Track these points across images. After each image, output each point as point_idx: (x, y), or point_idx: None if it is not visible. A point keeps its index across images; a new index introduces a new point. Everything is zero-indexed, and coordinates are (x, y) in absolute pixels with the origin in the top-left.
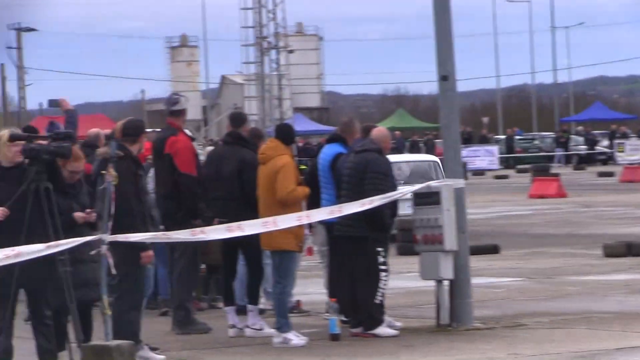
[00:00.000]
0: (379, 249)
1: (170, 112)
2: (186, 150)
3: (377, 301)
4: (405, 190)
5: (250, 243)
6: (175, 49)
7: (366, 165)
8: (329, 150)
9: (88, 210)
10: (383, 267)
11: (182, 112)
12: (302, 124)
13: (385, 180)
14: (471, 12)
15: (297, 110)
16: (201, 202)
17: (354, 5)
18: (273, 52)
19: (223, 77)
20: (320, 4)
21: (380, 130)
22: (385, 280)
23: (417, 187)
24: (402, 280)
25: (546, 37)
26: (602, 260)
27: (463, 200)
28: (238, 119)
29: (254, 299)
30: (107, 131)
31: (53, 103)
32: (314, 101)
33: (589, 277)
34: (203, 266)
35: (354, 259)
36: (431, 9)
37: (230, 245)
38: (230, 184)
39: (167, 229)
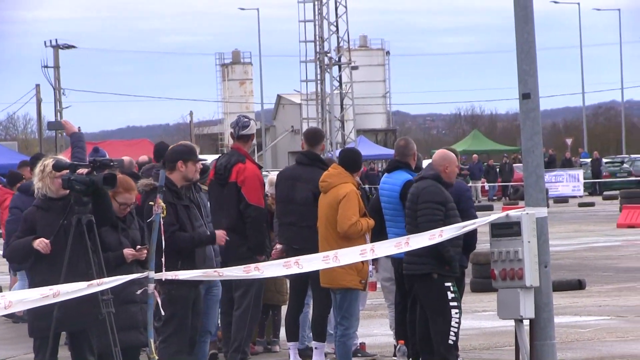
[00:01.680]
0: (447, 284)
1: (239, 136)
2: (254, 180)
3: (450, 342)
4: (480, 221)
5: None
6: (226, 67)
7: (418, 195)
8: (396, 179)
9: (139, 247)
10: (453, 304)
11: (251, 137)
12: (367, 148)
13: (440, 209)
14: (555, 22)
15: (361, 132)
16: (267, 237)
17: (424, 15)
18: (335, 69)
19: (279, 97)
20: (386, 14)
21: (439, 152)
22: (457, 318)
23: (494, 216)
24: (477, 320)
25: (638, 49)
26: None
27: (546, 231)
28: (315, 136)
29: (320, 336)
30: (144, 158)
31: (53, 125)
32: (379, 122)
33: None
34: None
35: (422, 297)
36: (511, 20)
37: (299, 277)
38: (304, 210)
39: (228, 265)
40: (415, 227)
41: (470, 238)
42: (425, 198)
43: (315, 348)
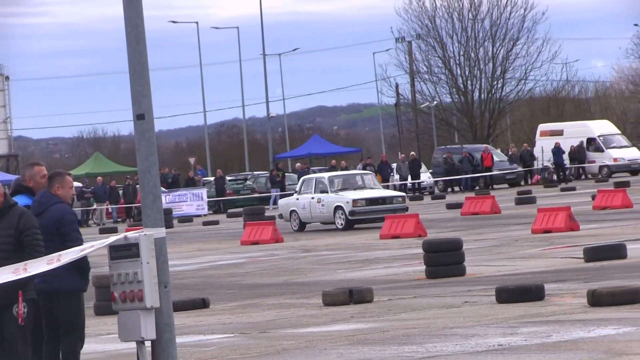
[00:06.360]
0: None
1: None
2: None
3: None
4: (99, 244)
5: None
6: None
7: None
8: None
9: None
10: None
11: None
12: None
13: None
14: (175, 42)
15: None
16: None
17: (44, 39)
18: None
19: None
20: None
21: None
22: None
23: (112, 239)
24: (101, 343)
25: (258, 66)
26: (321, 310)
27: (165, 251)
28: None
29: None
30: None
31: None
32: (1, 148)
33: (308, 329)
34: None
35: None
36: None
37: None
38: None
39: None
40: None
41: (82, 261)
42: None
43: None
